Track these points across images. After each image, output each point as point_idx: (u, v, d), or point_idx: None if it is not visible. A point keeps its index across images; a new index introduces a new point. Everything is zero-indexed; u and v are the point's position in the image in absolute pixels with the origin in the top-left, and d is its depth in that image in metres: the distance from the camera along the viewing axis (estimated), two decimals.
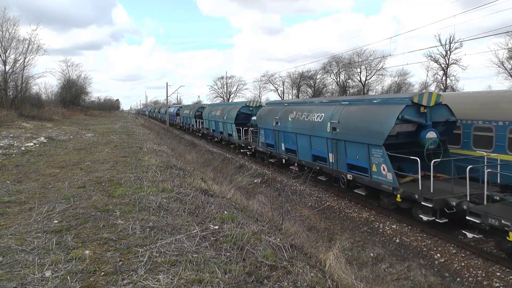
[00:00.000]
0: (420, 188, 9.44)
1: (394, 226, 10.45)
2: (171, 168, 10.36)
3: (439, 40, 50.18)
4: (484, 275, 7.65)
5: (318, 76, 67.60)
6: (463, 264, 8.14)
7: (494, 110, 10.69)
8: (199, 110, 37.63)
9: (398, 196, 10.10)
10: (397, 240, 9.70)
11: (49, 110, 39.55)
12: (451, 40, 48.10)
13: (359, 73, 62.32)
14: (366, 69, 61.15)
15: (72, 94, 58.84)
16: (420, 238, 9.55)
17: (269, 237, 5.16)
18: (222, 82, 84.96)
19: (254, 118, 21.58)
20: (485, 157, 9.97)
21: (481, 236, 8.40)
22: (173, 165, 11.12)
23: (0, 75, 33.62)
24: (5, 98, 33.33)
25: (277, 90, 75.12)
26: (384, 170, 10.57)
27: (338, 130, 12.54)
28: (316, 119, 13.85)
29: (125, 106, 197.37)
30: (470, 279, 7.63)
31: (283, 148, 17.10)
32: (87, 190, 7.22)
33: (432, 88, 54.47)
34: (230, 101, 78.41)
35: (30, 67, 41.83)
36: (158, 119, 71.52)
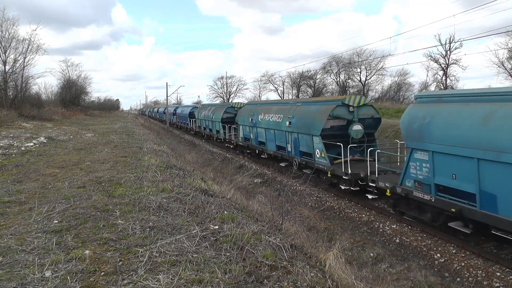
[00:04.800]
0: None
1: (394, 226, 10.45)
2: (171, 168, 10.35)
3: (439, 40, 50.16)
4: (484, 275, 7.65)
5: (318, 76, 67.60)
6: (463, 264, 8.14)
7: None
8: (337, 114, 15.19)
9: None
10: (397, 240, 9.71)
11: (49, 110, 39.51)
12: (451, 40, 48.08)
13: (359, 73, 62.33)
14: (366, 69, 61.14)
15: (72, 94, 58.73)
16: (420, 238, 9.55)
17: (269, 237, 5.16)
18: (222, 82, 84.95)
19: None
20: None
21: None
22: (173, 165, 11.12)
23: (0, 75, 33.61)
24: (5, 98, 33.30)
25: (277, 90, 75.14)
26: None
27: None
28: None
29: (125, 106, 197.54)
30: (470, 279, 7.64)
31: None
32: (87, 190, 7.21)
33: (432, 88, 54.45)
34: (230, 101, 78.27)
35: (30, 67, 41.90)
36: (178, 125, 51.03)
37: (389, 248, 9.28)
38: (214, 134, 29.96)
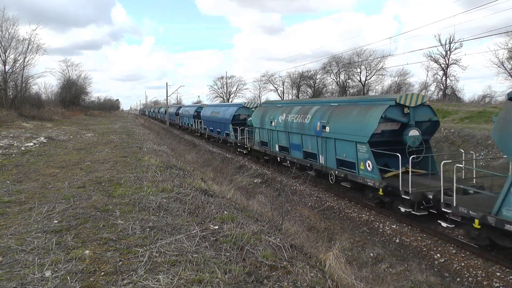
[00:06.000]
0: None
1: (394, 226, 10.45)
2: (171, 168, 10.35)
3: (439, 40, 50.19)
4: (484, 275, 7.65)
5: (318, 76, 67.60)
6: (463, 264, 8.14)
7: None
8: None
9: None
10: (397, 240, 9.71)
11: (49, 110, 39.52)
12: (451, 40, 48.10)
13: (359, 73, 62.35)
14: (366, 69, 61.16)
15: (72, 94, 58.75)
16: (420, 238, 9.55)
17: (269, 237, 5.16)
18: (222, 82, 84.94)
19: None
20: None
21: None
22: (173, 165, 11.12)
23: (0, 75, 33.61)
24: (5, 98, 33.31)
25: (277, 90, 75.13)
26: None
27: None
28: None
29: (125, 106, 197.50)
30: (470, 279, 7.64)
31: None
32: (87, 190, 7.21)
33: (432, 88, 54.47)
34: (230, 101, 78.15)
35: (30, 67, 41.92)
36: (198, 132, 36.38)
37: (389, 248, 9.28)
38: (328, 167, 13.63)
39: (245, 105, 25.47)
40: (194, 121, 37.97)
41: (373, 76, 62.23)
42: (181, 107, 50.92)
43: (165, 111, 55.94)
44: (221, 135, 27.72)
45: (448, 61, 50.40)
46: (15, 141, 16.07)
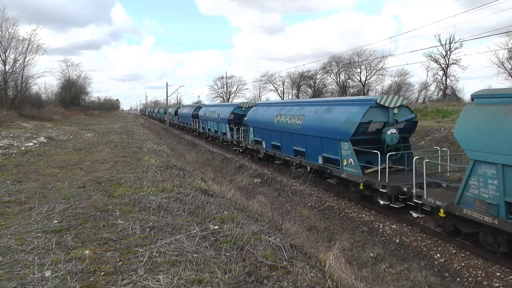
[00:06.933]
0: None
1: (394, 226, 10.46)
2: (171, 168, 10.35)
3: (439, 40, 50.20)
4: (484, 275, 7.65)
5: (318, 76, 67.57)
6: (463, 264, 8.14)
7: None
8: None
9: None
10: (397, 240, 9.71)
11: (49, 110, 39.53)
12: (451, 40, 48.10)
13: (359, 73, 62.33)
14: (366, 69, 61.14)
15: (72, 94, 58.79)
16: (420, 238, 9.56)
17: (269, 237, 5.16)
18: (222, 82, 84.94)
19: None
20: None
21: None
22: (173, 165, 11.12)
23: (0, 75, 33.62)
24: (5, 98, 33.33)
25: (277, 90, 75.13)
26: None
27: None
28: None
29: (125, 106, 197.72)
30: (470, 279, 7.64)
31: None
32: (87, 190, 7.21)
33: (432, 88, 54.46)
34: (230, 101, 78.07)
35: (30, 67, 42.01)
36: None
37: (389, 248, 9.28)
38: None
39: (381, 102, 12.06)
40: (229, 128, 25.66)
41: (373, 76, 62.21)
42: (199, 107, 37.62)
43: (175, 112, 54.73)
44: (313, 160, 14.70)
45: (448, 61, 50.42)
46: (15, 141, 16.07)
